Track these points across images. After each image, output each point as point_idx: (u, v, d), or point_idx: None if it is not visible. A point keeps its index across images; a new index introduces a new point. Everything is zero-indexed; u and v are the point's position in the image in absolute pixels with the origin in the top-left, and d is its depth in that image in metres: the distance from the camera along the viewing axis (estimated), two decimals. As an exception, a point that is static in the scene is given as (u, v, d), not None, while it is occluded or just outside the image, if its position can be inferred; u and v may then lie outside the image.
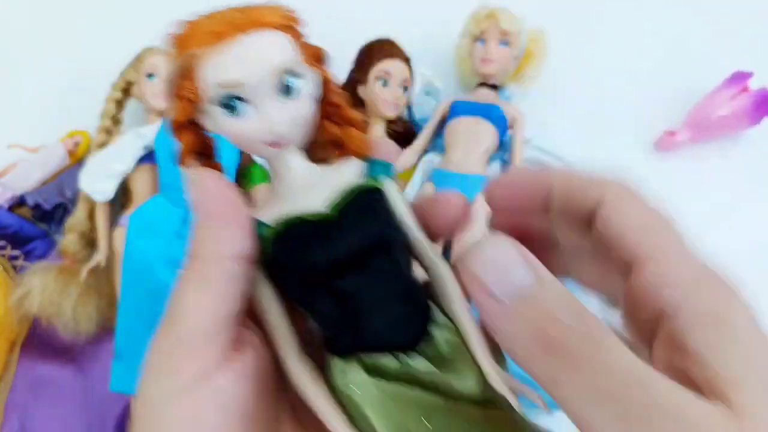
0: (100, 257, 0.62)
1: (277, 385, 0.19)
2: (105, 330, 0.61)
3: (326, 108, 0.20)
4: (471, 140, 0.63)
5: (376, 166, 0.20)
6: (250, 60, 0.18)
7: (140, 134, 0.64)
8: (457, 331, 0.18)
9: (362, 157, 0.20)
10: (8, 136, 0.69)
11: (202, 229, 0.17)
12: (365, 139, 0.21)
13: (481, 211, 0.21)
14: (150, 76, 0.65)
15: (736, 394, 0.13)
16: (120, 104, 0.67)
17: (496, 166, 0.65)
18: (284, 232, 0.18)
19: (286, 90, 0.18)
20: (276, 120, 0.18)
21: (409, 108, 0.70)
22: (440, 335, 0.18)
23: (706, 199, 0.67)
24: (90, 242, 0.64)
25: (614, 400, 0.13)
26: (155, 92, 0.65)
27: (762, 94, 0.66)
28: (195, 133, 0.19)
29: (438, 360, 0.18)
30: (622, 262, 0.16)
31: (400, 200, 0.20)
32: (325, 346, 0.19)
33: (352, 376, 0.17)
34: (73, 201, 0.65)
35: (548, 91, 0.71)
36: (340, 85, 0.19)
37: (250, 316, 0.19)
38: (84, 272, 0.61)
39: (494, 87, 0.67)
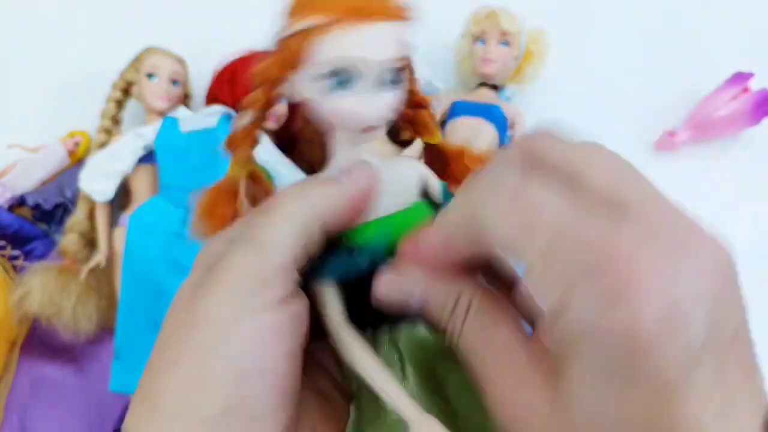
0: (100, 257, 0.62)
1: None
2: (105, 330, 0.61)
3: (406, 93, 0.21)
4: (471, 140, 0.62)
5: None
6: (375, 45, 0.18)
7: (140, 134, 0.64)
8: None
9: (430, 136, 0.23)
10: (8, 136, 0.69)
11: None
12: (432, 117, 0.23)
13: None
14: (150, 76, 0.65)
15: None
16: (120, 104, 0.67)
17: (496, 166, 0.65)
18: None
19: (393, 81, 0.19)
20: (377, 107, 0.19)
21: (409, 108, 0.70)
22: None
23: (706, 199, 0.67)
24: (90, 242, 0.64)
25: None
26: (155, 92, 0.65)
27: (762, 94, 0.66)
28: (270, 93, 0.20)
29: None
30: None
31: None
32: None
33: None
34: (73, 201, 0.65)
35: (548, 91, 0.71)
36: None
37: None
38: (84, 272, 0.61)
39: (494, 87, 0.67)
